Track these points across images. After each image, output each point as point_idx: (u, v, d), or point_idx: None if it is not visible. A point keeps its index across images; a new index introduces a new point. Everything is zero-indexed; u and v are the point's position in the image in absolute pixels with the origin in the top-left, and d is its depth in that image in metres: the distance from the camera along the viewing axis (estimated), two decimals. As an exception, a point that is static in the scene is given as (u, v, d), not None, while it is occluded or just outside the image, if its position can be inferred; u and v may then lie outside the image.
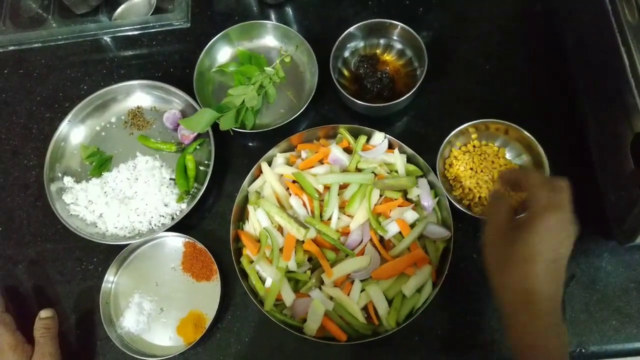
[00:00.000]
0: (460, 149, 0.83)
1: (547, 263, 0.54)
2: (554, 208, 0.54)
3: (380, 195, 0.78)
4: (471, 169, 0.81)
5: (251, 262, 0.76)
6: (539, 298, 0.54)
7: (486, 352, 0.75)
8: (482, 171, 0.81)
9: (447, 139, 0.79)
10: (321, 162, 0.81)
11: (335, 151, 0.80)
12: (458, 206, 0.76)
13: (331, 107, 0.91)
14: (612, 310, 0.75)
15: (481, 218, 0.76)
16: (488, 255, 0.59)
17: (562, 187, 0.56)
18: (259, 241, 0.77)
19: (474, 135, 0.83)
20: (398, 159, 0.79)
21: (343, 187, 0.78)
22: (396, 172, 0.80)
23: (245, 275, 0.77)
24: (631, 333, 0.74)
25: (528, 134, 0.78)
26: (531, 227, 0.54)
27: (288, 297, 0.73)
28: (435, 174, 0.78)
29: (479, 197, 0.80)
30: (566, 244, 0.55)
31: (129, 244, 0.81)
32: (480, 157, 0.82)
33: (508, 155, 0.82)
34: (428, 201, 0.77)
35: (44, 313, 0.76)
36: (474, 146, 0.83)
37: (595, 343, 0.74)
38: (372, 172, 0.79)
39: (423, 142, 0.83)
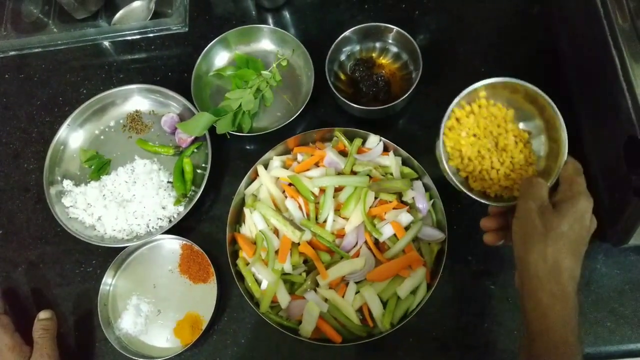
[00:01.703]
0: (464, 108, 0.70)
1: (577, 243, 0.56)
2: (588, 195, 0.58)
3: (375, 198, 0.78)
4: (474, 135, 0.69)
5: (247, 264, 0.77)
6: (564, 276, 0.55)
7: (481, 353, 0.75)
8: (485, 137, 0.69)
9: (456, 100, 0.67)
10: (317, 164, 0.82)
11: (331, 154, 0.80)
12: (453, 179, 0.66)
13: (327, 110, 0.92)
14: (606, 311, 0.75)
15: (480, 200, 0.66)
16: (519, 228, 0.59)
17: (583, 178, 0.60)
18: (255, 243, 0.78)
19: (482, 94, 0.69)
20: (393, 162, 0.80)
21: (338, 189, 0.79)
22: (391, 174, 0.80)
23: (241, 277, 0.77)
24: (626, 334, 0.74)
25: (540, 92, 0.66)
26: (571, 206, 0.56)
27: (283, 299, 0.74)
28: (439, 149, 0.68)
29: (480, 171, 0.69)
30: (591, 228, 0.58)
31: (127, 247, 0.82)
32: (485, 120, 0.69)
33: (517, 122, 0.70)
34: (423, 203, 0.78)
35: (42, 314, 0.77)
36: (480, 106, 0.69)
37: (590, 345, 0.74)
38: (367, 175, 0.79)
39: (418, 145, 0.83)
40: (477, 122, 0.69)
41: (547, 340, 0.54)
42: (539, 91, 0.66)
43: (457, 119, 0.70)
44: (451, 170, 0.68)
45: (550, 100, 0.66)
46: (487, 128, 0.69)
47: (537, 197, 0.58)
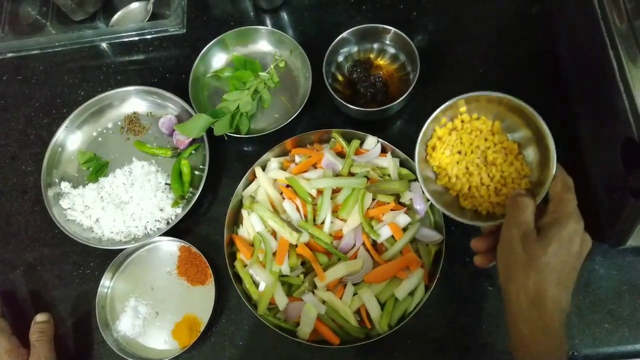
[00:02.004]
0: (445, 126, 0.68)
1: (563, 271, 0.53)
2: (578, 216, 0.54)
3: (373, 199, 0.78)
4: (459, 152, 0.67)
5: (245, 266, 0.77)
6: (548, 309, 0.52)
7: (479, 355, 0.75)
8: (472, 152, 0.67)
9: (433, 115, 0.66)
10: (314, 166, 0.82)
11: (329, 155, 0.80)
12: (436, 205, 0.65)
13: (325, 112, 0.92)
14: (604, 313, 0.75)
15: (468, 223, 0.66)
16: (502, 256, 0.57)
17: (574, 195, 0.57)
18: (252, 245, 0.78)
19: (462, 109, 0.67)
20: (391, 163, 0.80)
21: (336, 191, 0.79)
22: (389, 176, 0.80)
23: (239, 279, 0.77)
24: (624, 336, 0.74)
25: (525, 104, 0.63)
26: (557, 230, 0.53)
27: (281, 300, 0.74)
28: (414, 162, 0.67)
29: (469, 188, 0.67)
30: (583, 250, 0.55)
31: (124, 249, 0.82)
32: (470, 136, 0.67)
33: (506, 134, 0.68)
34: (420, 205, 0.78)
35: (39, 317, 0.77)
36: (462, 121, 0.68)
37: (588, 346, 0.74)
38: (365, 176, 0.79)
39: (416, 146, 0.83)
40: (459, 138, 0.67)
41: None
42: (519, 101, 0.63)
43: (439, 138, 0.68)
44: (439, 190, 0.67)
45: (532, 110, 0.63)
46: (472, 143, 0.67)
47: (521, 223, 0.55)
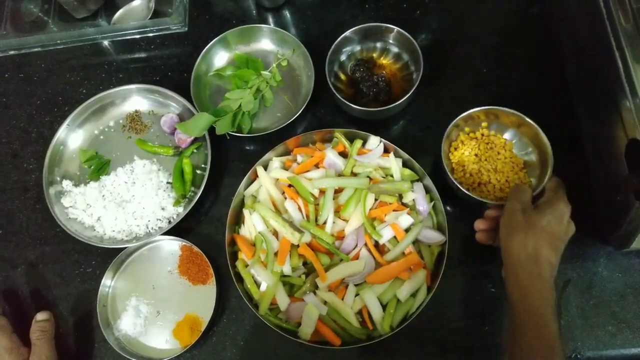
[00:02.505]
0: (468, 134, 0.83)
1: (554, 237, 0.65)
2: (567, 202, 0.68)
3: (376, 200, 0.78)
4: (476, 155, 0.81)
5: (246, 266, 0.76)
6: (542, 261, 0.63)
7: (481, 355, 0.75)
8: (486, 160, 0.80)
9: (454, 121, 0.78)
10: (317, 166, 0.81)
11: (331, 155, 0.80)
12: (460, 187, 0.75)
13: (328, 111, 0.91)
14: (608, 315, 0.75)
15: (482, 201, 0.75)
16: (505, 223, 0.67)
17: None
18: (254, 245, 0.77)
19: (484, 124, 0.82)
20: (393, 163, 0.79)
21: (338, 191, 0.79)
22: (391, 176, 0.80)
23: (240, 279, 0.77)
24: (627, 338, 0.74)
25: (537, 127, 0.76)
26: (550, 207, 0.66)
27: (282, 301, 0.73)
28: (440, 156, 0.78)
29: (479, 184, 0.80)
30: (569, 230, 0.66)
31: (126, 248, 0.82)
32: (486, 146, 0.82)
33: (515, 150, 0.82)
34: (423, 205, 0.77)
35: (40, 316, 0.77)
36: (482, 134, 0.83)
37: (591, 348, 0.74)
38: (368, 177, 0.79)
39: (419, 146, 0.83)
40: (478, 145, 0.81)
41: (528, 317, 0.62)
42: (536, 126, 0.76)
43: (462, 141, 0.82)
44: (457, 182, 0.77)
45: (546, 139, 0.75)
46: (487, 152, 0.81)
47: (522, 200, 0.68)
